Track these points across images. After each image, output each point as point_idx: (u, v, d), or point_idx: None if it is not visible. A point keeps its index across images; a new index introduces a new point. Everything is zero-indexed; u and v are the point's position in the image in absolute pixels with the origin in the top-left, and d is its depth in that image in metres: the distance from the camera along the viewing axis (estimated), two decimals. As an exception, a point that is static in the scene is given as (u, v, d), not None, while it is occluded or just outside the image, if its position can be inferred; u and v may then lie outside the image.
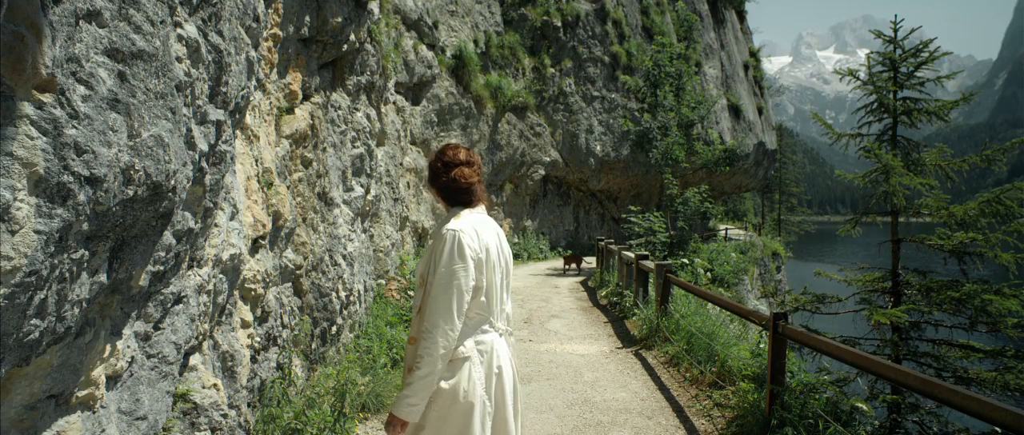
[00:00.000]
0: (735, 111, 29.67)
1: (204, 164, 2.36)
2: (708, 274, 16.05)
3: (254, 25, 2.87)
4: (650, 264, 8.49)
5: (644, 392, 5.51)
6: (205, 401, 2.75)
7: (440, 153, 2.30)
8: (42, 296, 1.42)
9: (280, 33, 4.07)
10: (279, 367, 4.06)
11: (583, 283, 13.72)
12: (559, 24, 20.61)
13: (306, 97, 4.87)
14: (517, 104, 18.66)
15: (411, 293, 7.83)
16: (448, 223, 2.14)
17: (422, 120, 14.23)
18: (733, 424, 4.57)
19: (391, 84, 7.99)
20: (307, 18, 4.58)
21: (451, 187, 2.24)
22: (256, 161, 3.73)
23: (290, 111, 4.53)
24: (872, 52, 8.32)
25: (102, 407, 1.93)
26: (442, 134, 15.37)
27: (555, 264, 18.36)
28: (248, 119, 3.58)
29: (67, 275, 1.52)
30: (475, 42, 17.45)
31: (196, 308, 2.59)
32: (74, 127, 1.43)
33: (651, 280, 8.82)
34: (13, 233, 1.28)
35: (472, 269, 2.09)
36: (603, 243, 13.72)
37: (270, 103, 4.16)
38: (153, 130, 1.78)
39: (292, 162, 4.54)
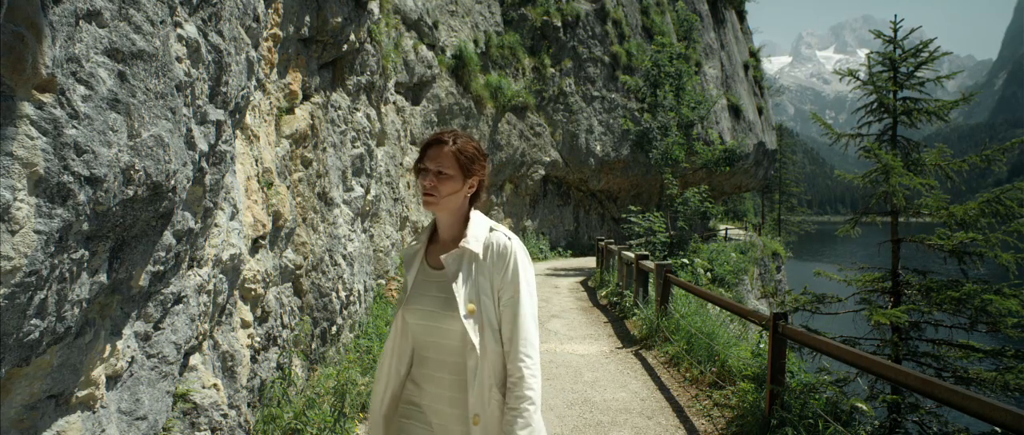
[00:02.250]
0: (735, 111, 29.67)
1: (204, 164, 2.36)
2: (708, 274, 16.06)
3: (254, 25, 2.87)
4: (650, 264, 8.49)
5: (644, 392, 5.51)
6: (205, 401, 2.75)
7: (470, 137, 1.82)
8: (42, 296, 1.42)
9: (280, 33, 4.07)
10: (279, 367, 4.06)
11: (583, 283, 13.72)
12: (559, 24, 20.62)
13: (306, 97, 4.87)
14: (517, 104, 18.66)
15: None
16: (497, 232, 1.78)
17: (422, 120, 14.23)
18: (733, 424, 4.57)
19: (391, 84, 7.99)
20: (307, 18, 4.58)
21: (485, 184, 1.85)
22: (256, 161, 3.73)
23: (290, 111, 4.53)
24: (872, 52, 8.32)
25: (102, 407, 1.93)
26: (442, 134, 15.35)
27: (555, 264, 18.36)
28: (248, 119, 3.58)
29: (67, 275, 1.52)
30: (475, 42, 17.45)
31: (196, 308, 2.59)
32: (74, 127, 1.43)
33: (651, 280, 8.82)
34: (13, 233, 1.28)
35: None
36: (603, 243, 13.72)
37: (270, 103, 4.16)
38: (153, 130, 1.78)
39: (292, 162, 4.54)
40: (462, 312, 1.67)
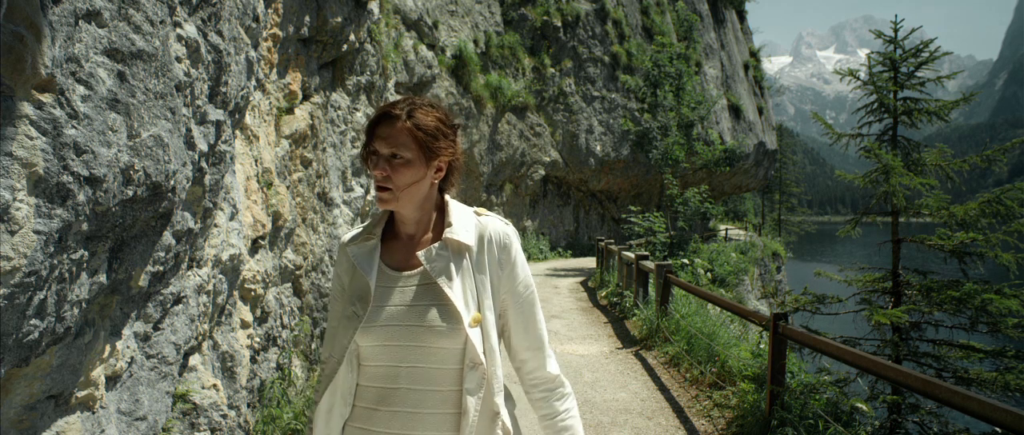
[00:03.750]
0: (735, 111, 29.68)
1: (204, 164, 2.36)
2: (708, 274, 16.06)
3: (254, 25, 2.87)
4: (650, 264, 8.49)
5: (644, 392, 5.51)
6: (205, 401, 2.74)
7: (433, 105, 1.41)
8: (42, 296, 1.42)
9: (280, 33, 4.07)
10: (279, 367, 4.06)
11: (583, 283, 13.72)
12: (559, 24, 20.62)
13: (306, 97, 4.87)
14: (517, 104, 18.67)
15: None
16: (489, 217, 1.46)
17: (422, 120, 14.23)
18: (733, 424, 4.57)
19: (391, 84, 7.99)
20: (307, 18, 4.58)
21: (455, 165, 1.45)
22: (256, 161, 3.72)
23: (290, 111, 4.53)
24: (872, 52, 8.32)
25: (102, 407, 1.92)
26: (442, 134, 15.36)
27: (555, 264, 18.36)
28: (248, 119, 3.58)
29: (67, 275, 1.52)
30: (475, 42, 17.46)
31: (196, 308, 2.59)
32: (74, 127, 1.43)
33: (651, 280, 8.81)
34: (13, 233, 1.28)
35: None
36: (603, 243, 13.72)
37: (270, 103, 4.16)
38: (153, 130, 1.77)
39: (292, 162, 4.54)
40: (466, 322, 1.31)
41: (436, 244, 1.37)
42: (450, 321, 1.31)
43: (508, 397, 1.46)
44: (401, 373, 1.32)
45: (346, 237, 1.48)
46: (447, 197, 1.46)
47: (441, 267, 1.34)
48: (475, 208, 1.48)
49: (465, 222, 1.40)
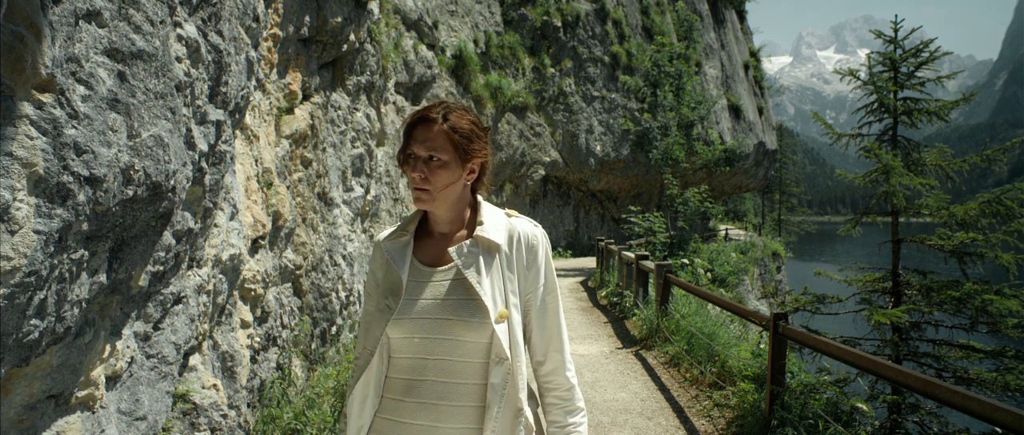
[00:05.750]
0: (735, 111, 29.68)
1: (204, 164, 2.36)
2: (708, 274, 16.06)
3: (254, 25, 2.87)
4: (650, 264, 8.49)
5: (644, 392, 5.51)
6: (205, 401, 2.74)
7: (465, 109, 1.47)
8: (42, 296, 1.42)
9: (280, 33, 4.07)
10: (279, 367, 4.06)
11: (583, 283, 13.72)
12: (559, 24, 20.62)
13: (306, 97, 4.87)
14: (517, 104, 18.66)
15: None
16: (520, 219, 1.50)
17: (422, 120, 14.21)
18: (733, 424, 4.57)
19: (391, 84, 7.99)
20: (307, 18, 4.58)
21: (487, 167, 1.51)
22: (256, 161, 3.72)
23: (290, 111, 4.53)
24: (872, 52, 8.32)
25: (102, 407, 1.92)
26: (442, 134, 15.36)
27: (555, 264, 18.34)
28: (248, 119, 3.58)
29: (67, 275, 1.52)
30: (475, 42, 17.45)
31: (196, 308, 2.59)
32: (74, 127, 1.43)
33: (651, 280, 8.81)
34: (13, 233, 1.28)
35: None
36: (603, 243, 13.71)
37: (270, 103, 4.16)
38: (153, 130, 1.77)
39: (292, 162, 4.54)
40: (492, 317, 1.35)
41: (467, 241, 1.42)
42: (477, 315, 1.35)
43: (532, 397, 1.48)
44: (429, 365, 1.36)
45: (381, 234, 1.54)
46: (479, 197, 1.51)
47: (471, 263, 1.39)
48: (506, 209, 1.52)
49: (496, 222, 1.46)
